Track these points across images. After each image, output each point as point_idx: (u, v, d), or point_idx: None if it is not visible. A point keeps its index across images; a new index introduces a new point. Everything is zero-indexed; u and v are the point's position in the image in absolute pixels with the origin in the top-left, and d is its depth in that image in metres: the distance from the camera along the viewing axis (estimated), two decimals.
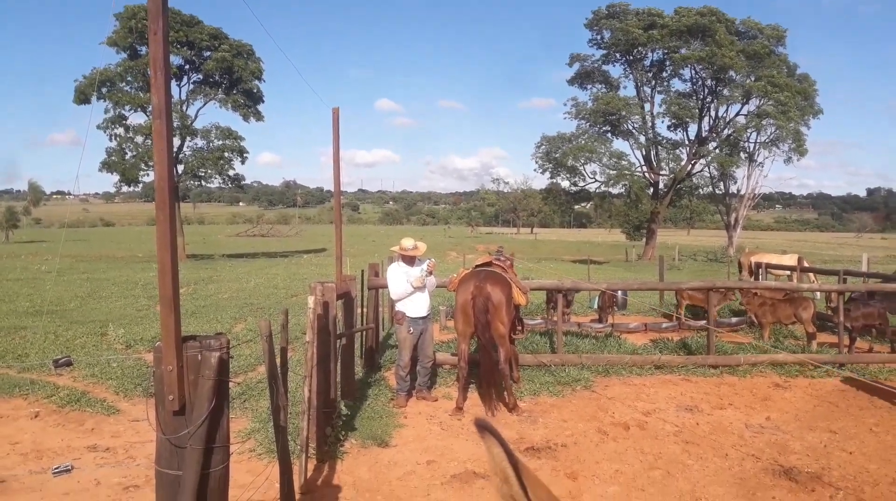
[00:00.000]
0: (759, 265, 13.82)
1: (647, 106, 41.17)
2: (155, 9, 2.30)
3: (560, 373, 7.57)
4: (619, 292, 11.94)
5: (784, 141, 38.07)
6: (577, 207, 52.64)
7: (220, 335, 2.55)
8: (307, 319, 4.69)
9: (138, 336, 9.50)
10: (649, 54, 40.39)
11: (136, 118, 33.53)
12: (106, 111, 32.82)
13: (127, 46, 32.13)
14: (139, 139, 33.38)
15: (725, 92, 38.33)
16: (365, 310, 8.40)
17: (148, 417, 2.61)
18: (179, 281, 2.50)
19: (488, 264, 6.98)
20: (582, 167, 40.73)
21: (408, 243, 6.69)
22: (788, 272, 13.48)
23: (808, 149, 38.48)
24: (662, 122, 40.98)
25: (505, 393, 6.40)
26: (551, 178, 42.41)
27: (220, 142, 36.24)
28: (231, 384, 2.71)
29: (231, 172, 37.02)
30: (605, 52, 41.12)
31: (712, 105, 39.60)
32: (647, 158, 41.13)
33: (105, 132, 33.07)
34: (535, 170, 61.01)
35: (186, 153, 35.49)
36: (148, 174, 33.09)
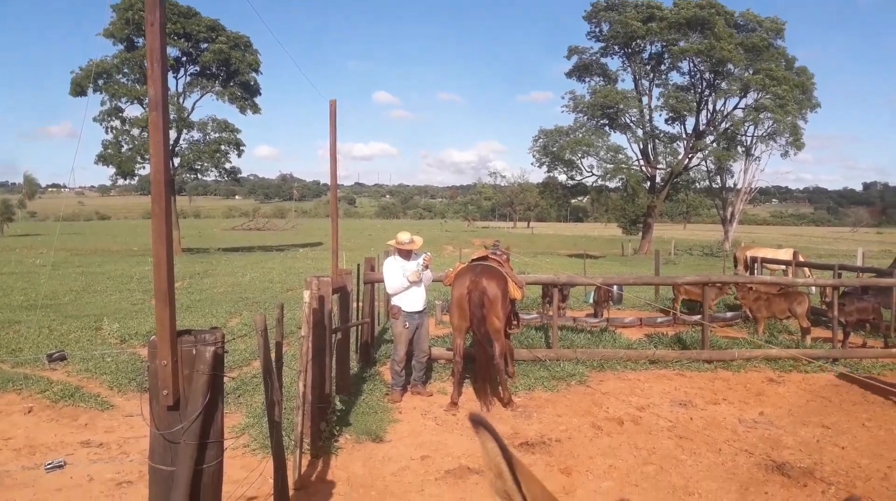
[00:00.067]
0: (754, 260, 13.84)
1: (645, 99, 41.19)
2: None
3: (555, 368, 7.59)
4: (615, 286, 11.98)
5: (781, 135, 38.03)
6: (573, 201, 52.67)
7: (215, 329, 2.55)
8: (303, 313, 4.69)
9: (133, 331, 9.49)
10: (648, 47, 40.33)
11: (133, 111, 33.42)
12: (102, 103, 32.75)
13: (124, 38, 31.98)
14: (135, 132, 33.27)
15: (723, 85, 38.26)
16: (361, 304, 8.40)
17: (142, 412, 2.60)
18: (175, 275, 2.49)
19: (484, 258, 6.98)
20: (579, 161, 40.71)
21: (404, 237, 6.68)
22: (784, 267, 13.51)
23: (806, 143, 38.57)
24: (660, 115, 40.91)
25: (500, 388, 6.41)
26: (548, 172, 42.35)
27: (217, 135, 36.10)
28: (225, 379, 2.71)
29: (227, 166, 36.89)
30: (603, 44, 41.03)
31: (710, 98, 39.56)
32: (644, 152, 41.14)
33: (101, 125, 32.96)
34: (532, 164, 60.83)
35: (183, 146, 35.34)
36: (144, 167, 32.98)
